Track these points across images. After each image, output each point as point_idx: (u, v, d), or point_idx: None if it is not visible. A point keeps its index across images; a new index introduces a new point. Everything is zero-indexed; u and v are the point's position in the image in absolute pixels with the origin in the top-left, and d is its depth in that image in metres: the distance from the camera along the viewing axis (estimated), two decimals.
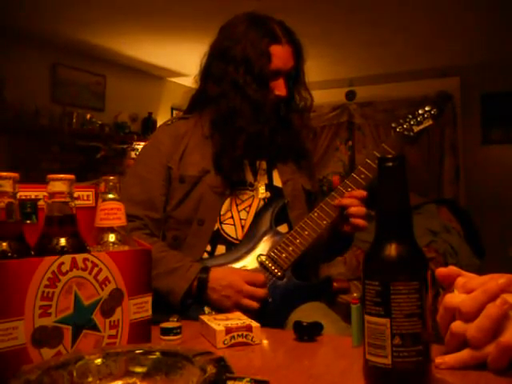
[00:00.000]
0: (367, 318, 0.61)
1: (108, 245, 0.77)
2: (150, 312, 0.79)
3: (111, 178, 0.79)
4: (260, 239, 1.29)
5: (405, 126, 1.31)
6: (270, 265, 1.25)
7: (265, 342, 0.88)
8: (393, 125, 1.33)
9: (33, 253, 0.71)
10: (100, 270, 0.72)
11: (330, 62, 4.96)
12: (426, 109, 1.33)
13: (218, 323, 0.87)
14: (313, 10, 3.70)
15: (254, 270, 1.25)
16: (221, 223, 1.30)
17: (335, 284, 1.51)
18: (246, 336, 0.85)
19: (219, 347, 0.83)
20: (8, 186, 0.69)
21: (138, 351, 0.62)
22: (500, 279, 0.67)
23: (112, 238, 0.78)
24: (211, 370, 0.54)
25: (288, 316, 1.20)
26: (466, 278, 0.70)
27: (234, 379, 0.57)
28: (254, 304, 1.18)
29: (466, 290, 0.68)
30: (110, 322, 0.73)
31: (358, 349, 0.69)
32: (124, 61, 4.99)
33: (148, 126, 5.27)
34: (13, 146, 4.09)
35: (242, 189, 1.34)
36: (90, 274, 0.71)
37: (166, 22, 3.98)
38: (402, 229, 0.63)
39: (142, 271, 0.78)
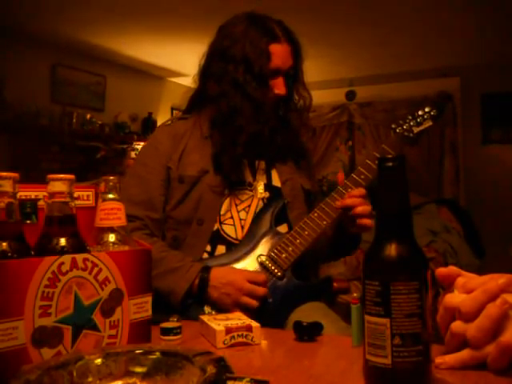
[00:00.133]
0: (367, 318, 0.61)
1: (108, 245, 0.77)
2: (149, 312, 0.79)
3: (111, 178, 0.79)
4: (260, 239, 1.29)
5: (404, 127, 1.32)
6: (270, 265, 1.25)
7: (265, 342, 0.88)
8: (392, 126, 1.33)
9: (33, 253, 0.71)
10: (100, 269, 0.72)
11: (330, 62, 4.96)
12: (426, 110, 1.33)
13: (218, 323, 0.87)
14: (313, 9, 3.70)
15: (254, 270, 1.25)
16: (221, 223, 1.30)
17: (335, 284, 1.51)
18: (246, 336, 0.85)
19: (219, 347, 0.83)
20: (8, 186, 0.69)
21: (138, 351, 0.62)
22: (500, 279, 0.67)
23: (112, 237, 0.78)
24: (211, 370, 0.54)
25: (288, 316, 1.20)
26: (466, 278, 0.70)
27: (234, 379, 0.57)
28: (254, 302, 1.18)
29: (466, 290, 0.68)
30: (110, 322, 0.73)
31: (358, 349, 0.69)
32: (124, 61, 4.99)
33: (148, 125, 5.27)
34: (13, 145, 4.09)
35: (241, 189, 1.34)
36: (90, 274, 0.71)
37: (166, 21, 3.98)
38: (402, 229, 0.63)
39: (142, 271, 0.78)
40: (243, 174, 1.34)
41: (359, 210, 1.20)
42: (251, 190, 1.34)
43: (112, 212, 0.78)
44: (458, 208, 4.13)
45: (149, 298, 0.79)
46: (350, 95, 5.58)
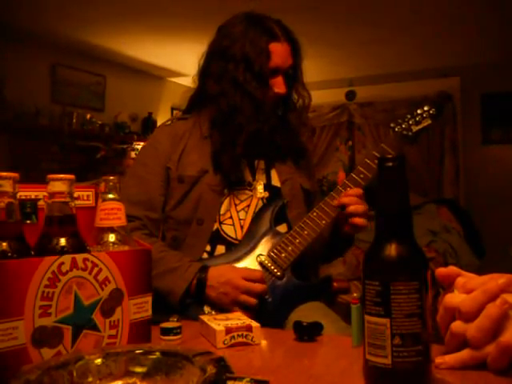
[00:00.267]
0: (367, 318, 0.61)
1: (108, 245, 0.77)
2: (149, 312, 0.79)
3: (111, 178, 0.79)
4: (260, 239, 1.29)
5: (403, 126, 1.32)
6: (269, 265, 1.25)
7: (264, 341, 0.88)
8: (391, 125, 1.33)
9: (33, 253, 0.71)
10: (100, 270, 0.72)
11: (330, 62, 4.96)
12: (425, 109, 1.33)
13: (217, 323, 0.87)
14: (312, 9, 3.70)
15: (251, 268, 1.25)
16: (220, 223, 1.30)
17: (335, 284, 1.51)
18: (246, 336, 0.85)
19: (219, 347, 0.83)
20: (8, 186, 0.69)
21: (138, 351, 0.62)
22: (500, 279, 0.67)
23: (112, 237, 0.78)
24: (211, 370, 0.54)
25: (288, 316, 1.20)
26: (466, 278, 0.70)
27: (234, 379, 0.57)
28: (252, 300, 1.18)
29: (466, 290, 0.68)
30: (110, 322, 0.73)
31: (358, 349, 0.69)
32: (124, 61, 4.99)
33: (148, 125, 5.27)
34: (13, 145, 4.09)
35: (241, 189, 1.34)
36: (90, 274, 0.71)
37: (166, 21, 3.98)
38: (402, 229, 0.63)
39: (142, 271, 0.78)
40: (242, 173, 1.34)
41: (351, 208, 1.21)
42: (251, 190, 1.35)
43: (112, 212, 0.78)
44: (458, 208, 4.13)
45: (149, 298, 0.79)
46: (350, 95, 5.58)
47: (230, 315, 0.96)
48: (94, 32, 4.21)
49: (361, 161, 1.30)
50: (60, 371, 0.57)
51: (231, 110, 1.31)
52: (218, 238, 1.30)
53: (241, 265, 1.26)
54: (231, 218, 1.31)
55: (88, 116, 4.70)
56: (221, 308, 1.19)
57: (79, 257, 0.71)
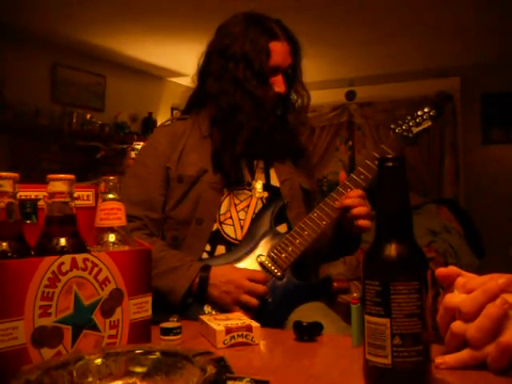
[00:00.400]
0: (367, 318, 0.61)
1: (108, 245, 0.77)
2: (150, 312, 0.79)
3: (111, 178, 0.79)
4: (260, 240, 1.29)
5: (404, 128, 1.32)
6: (269, 265, 1.25)
7: (264, 342, 0.88)
8: (392, 126, 1.33)
9: (33, 253, 0.71)
10: (100, 270, 0.72)
11: (330, 62, 4.96)
12: (425, 110, 1.33)
13: (218, 323, 0.87)
14: (312, 9, 3.70)
15: (254, 269, 1.25)
16: (220, 223, 1.30)
17: (335, 284, 1.51)
18: (246, 336, 0.85)
19: (219, 347, 0.83)
20: (8, 186, 0.69)
21: (138, 351, 0.62)
22: (500, 279, 0.67)
23: (112, 237, 0.78)
24: (211, 370, 0.54)
25: (288, 316, 1.20)
26: (466, 278, 0.70)
27: (234, 379, 0.57)
28: (254, 301, 1.18)
29: (466, 290, 0.68)
30: (110, 321, 0.73)
31: (358, 349, 0.69)
32: (124, 61, 4.99)
33: (148, 125, 5.27)
34: (13, 145, 4.09)
35: (240, 188, 1.34)
36: (90, 274, 0.71)
37: (166, 21, 3.98)
38: (402, 229, 0.63)
39: (142, 271, 0.78)
40: (242, 173, 1.34)
41: (355, 211, 1.20)
42: (250, 190, 1.35)
43: (112, 212, 0.78)
44: (458, 208, 4.13)
45: (149, 298, 0.79)
46: (350, 95, 5.59)
47: (230, 315, 0.96)
48: (94, 32, 4.20)
49: (361, 162, 1.30)
50: (60, 371, 0.57)
51: (231, 109, 1.31)
52: (218, 238, 1.30)
53: (241, 265, 1.26)
54: (231, 218, 1.31)
55: (88, 116, 4.70)
56: (221, 308, 1.19)
57: (79, 257, 0.71)
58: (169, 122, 1.45)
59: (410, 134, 1.31)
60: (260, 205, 1.33)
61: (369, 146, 5.41)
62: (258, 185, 1.35)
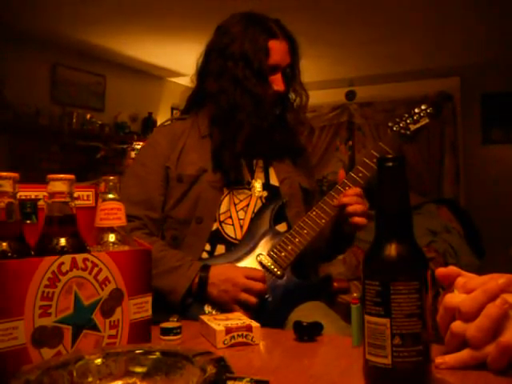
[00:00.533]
0: (367, 318, 0.61)
1: (108, 245, 0.77)
2: (150, 312, 0.79)
3: (111, 178, 0.79)
4: (260, 239, 1.29)
5: (401, 125, 1.32)
6: (269, 264, 1.25)
7: (264, 342, 0.88)
8: (389, 124, 1.34)
9: (33, 253, 0.71)
10: (100, 270, 0.72)
11: (330, 62, 4.95)
12: (423, 107, 1.33)
13: (218, 323, 0.87)
14: (312, 9, 3.70)
15: (252, 268, 1.25)
16: (220, 223, 1.30)
17: (335, 284, 1.52)
18: (246, 336, 0.85)
19: (219, 347, 0.83)
20: (8, 186, 0.69)
21: (138, 351, 0.62)
22: (500, 279, 0.67)
23: (112, 237, 0.78)
24: (211, 370, 0.54)
25: (288, 315, 1.20)
26: (466, 278, 0.70)
27: (234, 379, 0.57)
28: (252, 298, 1.18)
29: (466, 290, 0.68)
30: (110, 321, 0.73)
31: (358, 349, 0.69)
32: (124, 61, 4.99)
33: (148, 125, 5.27)
34: (13, 145, 4.08)
35: (240, 188, 1.34)
36: (90, 274, 0.71)
37: (166, 21, 3.98)
38: (402, 229, 0.63)
39: (142, 271, 0.78)
40: (241, 172, 1.34)
41: (351, 208, 1.21)
42: (249, 189, 1.35)
43: (112, 212, 0.78)
44: (458, 208, 4.13)
45: (149, 298, 0.79)
46: (350, 95, 5.58)
47: (230, 315, 0.96)
48: (94, 32, 4.20)
49: (359, 160, 1.30)
50: (60, 371, 0.56)
51: (231, 107, 1.31)
52: (217, 237, 1.30)
53: (241, 264, 1.26)
54: (231, 217, 1.31)
55: (88, 116, 4.70)
56: (221, 308, 1.19)
57: (79, 257, 0.71)
58: (168, 122, 1.45)
59: (408, 132, 1.32)
60: (259, 204, 1.33)
61: (369, 146, 5.40)
62: (258, 184, 1.36)
